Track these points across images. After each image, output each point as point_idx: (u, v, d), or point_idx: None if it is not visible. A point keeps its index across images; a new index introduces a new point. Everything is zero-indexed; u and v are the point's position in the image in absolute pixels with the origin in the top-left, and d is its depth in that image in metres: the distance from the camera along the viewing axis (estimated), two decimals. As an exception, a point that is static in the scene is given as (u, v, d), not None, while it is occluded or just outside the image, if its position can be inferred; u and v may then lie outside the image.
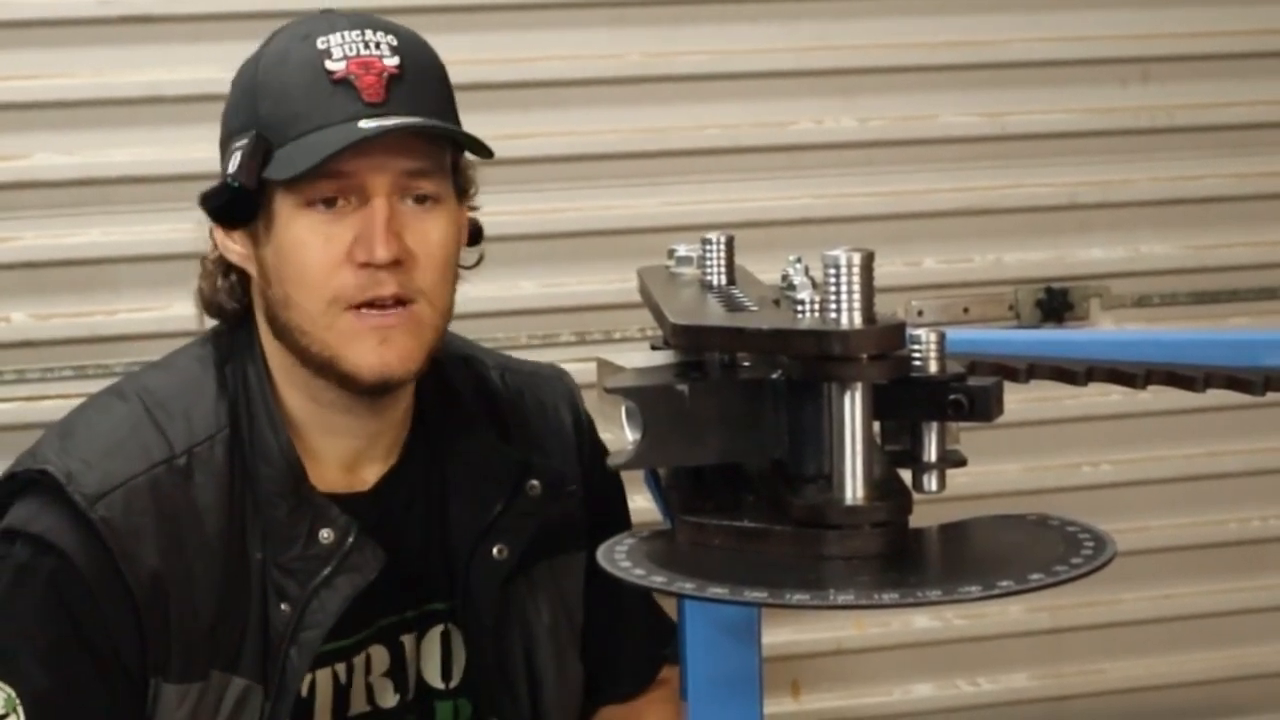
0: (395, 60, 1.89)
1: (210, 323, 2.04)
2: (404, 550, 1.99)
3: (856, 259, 1.32)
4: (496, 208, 2.89)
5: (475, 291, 2.89)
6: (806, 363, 1.35)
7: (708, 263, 1.65)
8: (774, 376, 1.40)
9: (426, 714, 2.05)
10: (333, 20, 1.92)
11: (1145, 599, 3.19)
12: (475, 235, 2.04)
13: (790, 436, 1.40)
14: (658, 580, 1.35)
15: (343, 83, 1.86)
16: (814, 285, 1.39)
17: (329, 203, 1.86)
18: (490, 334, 2.85)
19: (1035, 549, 1.38)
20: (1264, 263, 3.17)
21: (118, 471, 1.89)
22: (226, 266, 1.97)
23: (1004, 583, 1.30)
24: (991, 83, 3.06)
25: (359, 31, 1.89)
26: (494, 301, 2.91)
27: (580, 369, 2.84)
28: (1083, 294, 3.11)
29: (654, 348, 1.63)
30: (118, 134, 2.75)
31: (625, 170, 2.94)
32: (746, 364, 1.46)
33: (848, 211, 3.01)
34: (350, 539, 1.92)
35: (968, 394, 1.37)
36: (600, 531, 2.10)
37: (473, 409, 2.06)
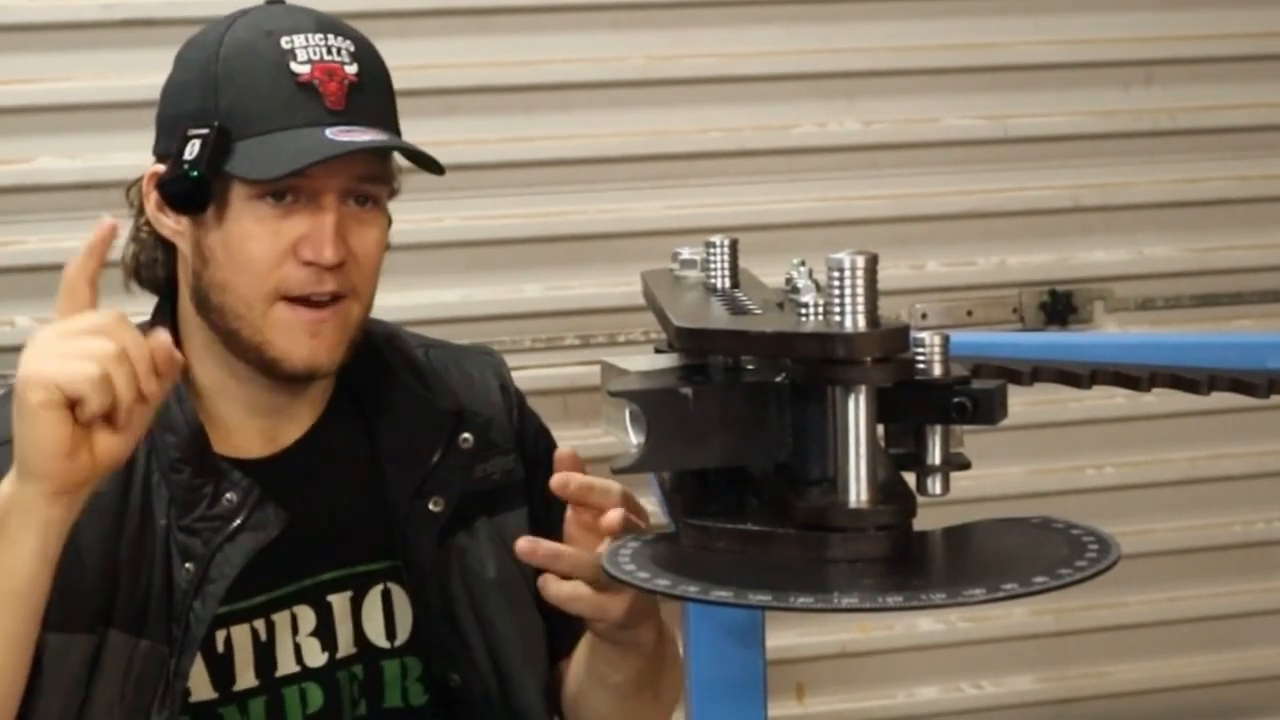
0: (355, 68, 1.94)
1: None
2: (323, 510, 2.02)
3: (860, 262, 1.32)
4: (500, 211, 2.91)
5: (479, 295, 2.91)
6: (810, 366, 1.35)
7: (711, 266, 1.65)
8: (778, 380, 1.40)
9: (373, 673, 2.05)
10: (295, 18, 1.96)
11: (1150, 602, 3.19)
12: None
13: (794, 439, 1.40)
14: (662, 584, 1.35)
15: (307, 86, 1.91)
16: (818, 288, 1.40)
17: (279, 196, 1.91)
18: (494, 337, 2.85)
19: (1039, 552, 1.38)
20: (1268, 265, 3.16)
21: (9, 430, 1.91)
22: (157, 237, 2.01)
23: (1008, 585, 1.30)
24: (994, 86, 3.06)
25: (322, 35, 1.94)
26: (498, 305, 2.91)
27: (584, 372, 2.86)
28: (1086, 297, 3.11)
29: (658, 351, 1.63)
30: (121, 138, 2.75)
31: (628, 173, 2.94)
32: (750, 367, 1.46)
33: (851, 214, 3.01)
34: (253, 499, 1.96)
35: (971, 397, 1.37)
36: (540, 491, 2.10)
37: (403, 373, 2.11)
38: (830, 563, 1.34)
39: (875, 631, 3.11)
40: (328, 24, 1.96)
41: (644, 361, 1.55)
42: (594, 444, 2.74)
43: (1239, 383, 1.62)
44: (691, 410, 1.39)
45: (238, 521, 1.94)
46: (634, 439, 1.41)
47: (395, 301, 2.66)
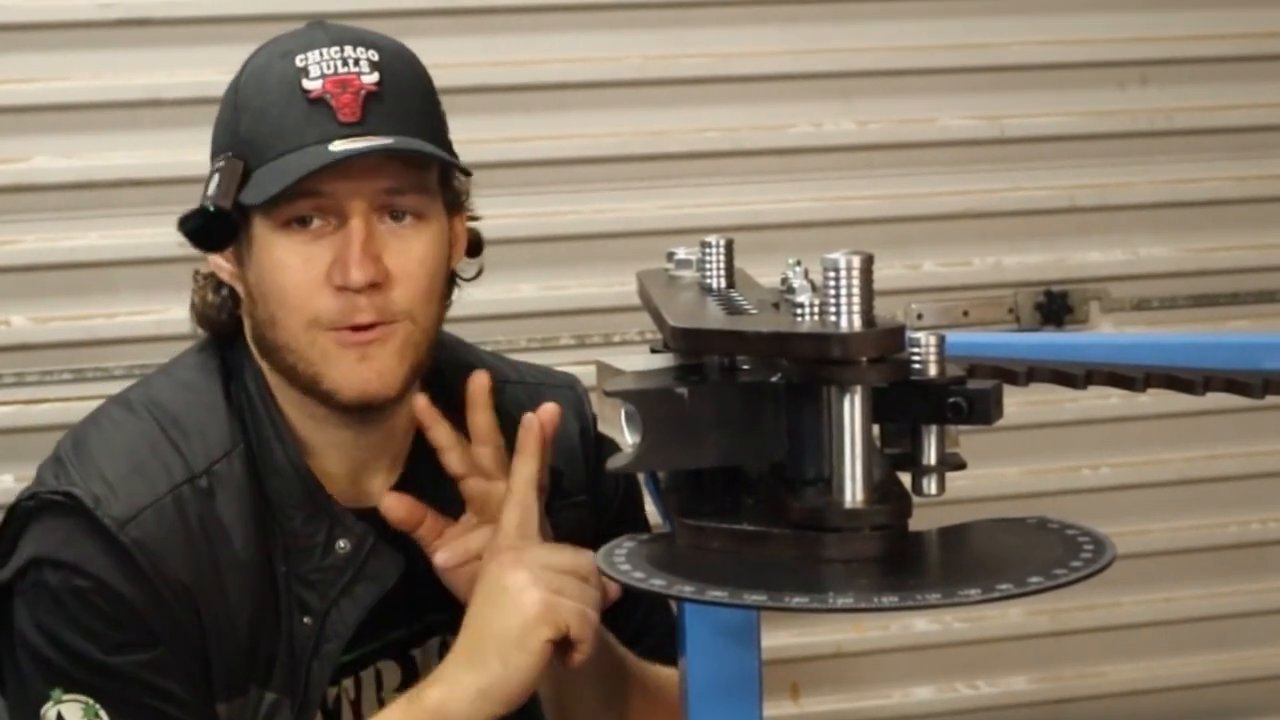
0: (374, 77, 1.85)
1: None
2: (415, 563, 1.97)
3: (856, 262, 1.32)
4: (496, 210, 2.89)
5: (475, 294, 2.89)
6: (806, 366, 1.35)
7: (707, 266, 1.64)
8: (774, 380, 1.40)
9: None
10: (314, 35, 1.89)
11: (1145, 602, 3.19)
12: (476, 247, 2.03)
13: (790, 439, 1.39)
14: (657, 583, 1.35)
15: (318, 102, 1.83)
16: (813, 288, 1.39)
17: (305, 222, 1.83)
18: (490, 337, 2.84)
19: (1035, 552, 1.38)
20: (1263, 266, 3.17)
21: (143, 493, 1.86)
22: (218, 281, 1.95)
23: (1003, 586, 1.30)
24: (990, 86, 3.06)
25: (338, 48, 1.86)
26: (493, 304, 2.90)
27: (580, 372, 2.84)
28: (1082, 297, 3.11)
29: (653, 351, 1.63)
30: (116, 137, 2.75)
31: (624, 173, 2.94)
32: (746, 367, 1.46)
33: (847, 214, 3.01)
34: (368, 546, 1.91)
35: (967, 397, 1.37)
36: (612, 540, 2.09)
37: None
38: (825, 563, 1.33)
39: (870, 632, 3.11)
40: (349, 37, 1.88)
41: (640, 361, 1.55)
42: (590, 444, 2.74)
43: (1234, 383, 1.62)
44: (687, 410, 1.39)
45: (352, 572, 1.90)
46: (629, 439, 1.41)
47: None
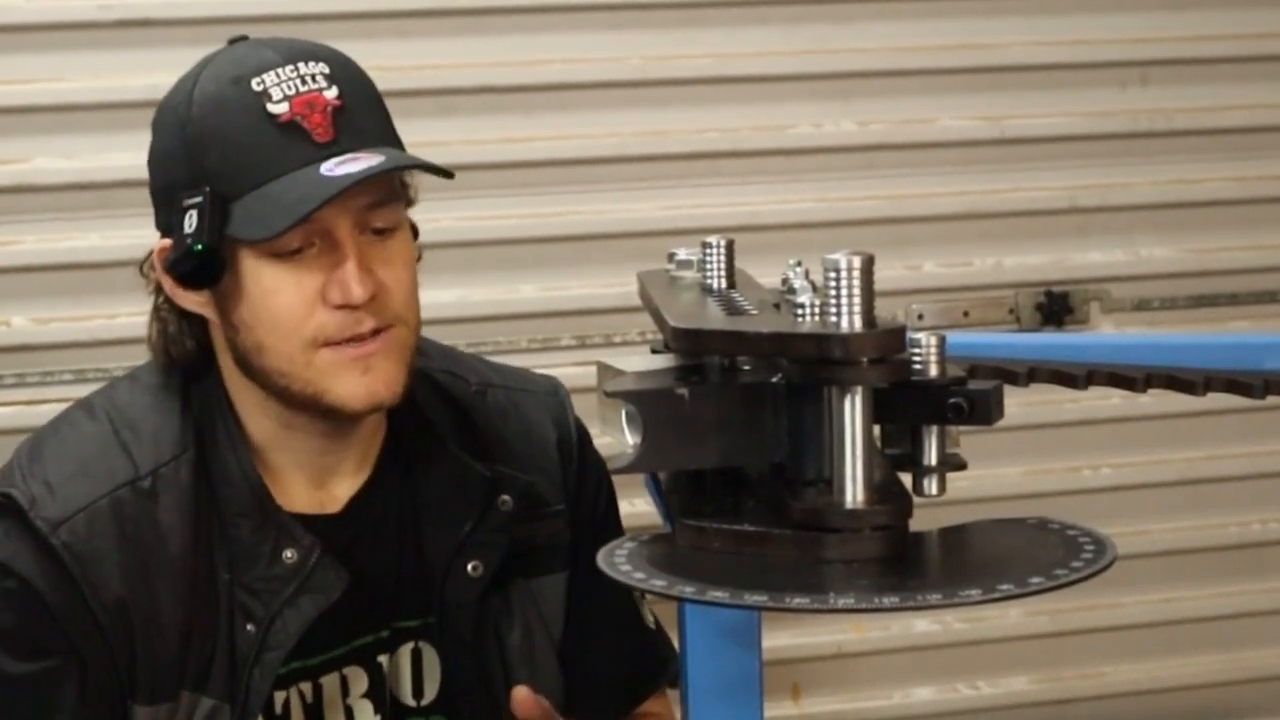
0: (334, 91, 1.85)
1: None
2: (377, 569, 1.98)
3: (856, 262, 1.32)
4: (497, 211, 2.91)
5: (475, 295, 2.91)
6: (807, 366, 1.35)
7: (708, 266, 1.65)
8: (774, 380, 1.40)
9: None
10: (260, 55, 1.87)
11: (1146, 602, 3.19)
12: (415, 231, 2.01)
13: (790, 440, 1.40)
14: (658, 584, 1.35)
15: (290, 125, 1.82)
16: (814, 289, 1.39)
17: (296, 250, 1.84)
18: (490, 338, 2.85)
19: (1035, 552, 1.38)
20: (1264, 266, 3.17)
21: (80, 495, 1.89)
22: (180, 311, 1.94)
23: (1004, 586, 1.30)
24: (991, 86, 3.06)
25: (292, 67, 1.85)
26: (494, 305, 2.91)
27: (580, 373, 2.85)
28: (1083, 297, 3.11)
29: (654, 351, 1.63)
30: (117, 138, 2.74)
31: (625, 174, 2.94)
32: (747, 368, 1.46)
33: (848, 215, 3.01)
34: (314, 558, 1.91)
35: (968, 397, 1.37)
36: (586, 556, 2.10)
37: (443, 427, 2.03)
38: (826, 563, 1.34)
39: (871, 632, 3.11)
40: (296, 52, 1.88)
41: (640, 362, 1.55)
42: (590, 444, 2.74)
43: (1235, 383, 1.62)
44: (688, 411, 1.39)
45: (297, 583, 1.90)
46: (630, 439, 1.41)
47: (392, 302, 2.66)
